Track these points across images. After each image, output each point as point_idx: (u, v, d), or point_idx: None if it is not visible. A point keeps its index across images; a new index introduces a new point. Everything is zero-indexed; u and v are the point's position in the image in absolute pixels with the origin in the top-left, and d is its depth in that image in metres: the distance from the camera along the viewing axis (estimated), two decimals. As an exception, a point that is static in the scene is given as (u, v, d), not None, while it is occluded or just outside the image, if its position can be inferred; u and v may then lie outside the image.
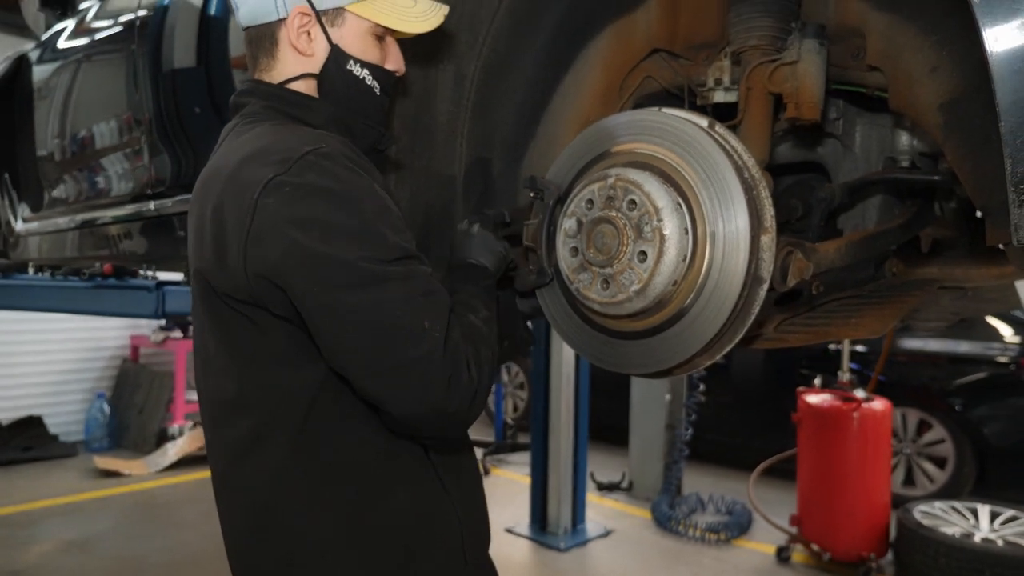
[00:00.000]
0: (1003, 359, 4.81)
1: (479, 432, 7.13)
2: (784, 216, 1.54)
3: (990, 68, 0.72)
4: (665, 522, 4.77)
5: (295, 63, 1.15)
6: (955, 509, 3.96)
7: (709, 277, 1.07)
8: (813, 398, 4.27)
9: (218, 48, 1.96)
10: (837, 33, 1.27)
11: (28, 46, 3.16)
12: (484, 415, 7.57)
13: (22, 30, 4.44)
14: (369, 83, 1.17)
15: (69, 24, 2.89)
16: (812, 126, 1.37)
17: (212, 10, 2.00)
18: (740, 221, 1.05)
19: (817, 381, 4.47)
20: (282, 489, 1.07)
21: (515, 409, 7.32)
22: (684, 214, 1.09)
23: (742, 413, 5.87)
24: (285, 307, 1.01)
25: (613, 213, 1.12)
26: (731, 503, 5.01)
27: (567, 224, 1.19)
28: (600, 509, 5.23)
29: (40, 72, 2.97)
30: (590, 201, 1.15)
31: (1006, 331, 4.88)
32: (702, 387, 5.31)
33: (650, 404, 5.53)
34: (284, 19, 1.12)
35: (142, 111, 2.32)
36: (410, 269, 1.02)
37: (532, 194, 1.28)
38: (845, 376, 4.35)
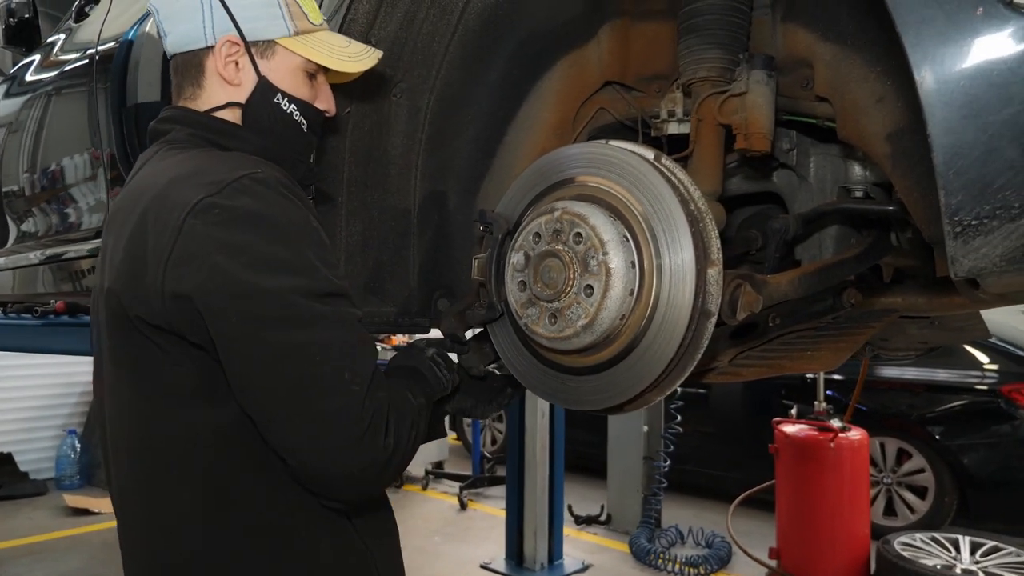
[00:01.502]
0: (982, 387, 4.81)
1: (456, 465, 7.04)
2: (743, 247, 1.53)
3: (921, 100, 0.71)
4: (644, 556, 4.69)
5: (221, 92, 1.11)
6: (936, 540, 3.92)
7: (656, 311, 1.05)
8: (790, 428, 4.24)
9: None
10: (786, 64, 1.27)
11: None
12: (462, 448, 7.51)
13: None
14: (296, 118, 1.14)
15: (35, 58, 2.86)
16: (765, 157, 1.37)
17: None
18: (686, 254, 1.02)
19: (793, 411, 4.45)
20: (190, 542, 1.00)
21: (493, 442, 7.24)
22: (631, 247, 1.06)
23: (722, 444, 5.83)
24: (202, 335, 0.94)
25: (560, 247, 1.09)
26: (711, 536, 4.95)
27: (515, 258, 1.16)
28: (578, 543, 5.15)
29: (4, 107, 2.94)
30: (537, 235, 1.13)
31: (984, 358, 4.89)
32: (679, 418, 5.29)
33: (628, 435, 5.48)
34: (212, 47, 1.10)
35: (100, 146, 2.29)
36: (339, 312, 0.97)
37: (481, 228, 1.26)
38: (821, 406, 4.33)
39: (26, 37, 2.90)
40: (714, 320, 1.04)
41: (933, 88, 0.70)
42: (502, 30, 1.45)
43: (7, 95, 2.99)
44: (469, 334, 1.40)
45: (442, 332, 1.48)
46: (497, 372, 1.41)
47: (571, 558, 4.78)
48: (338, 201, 1.42)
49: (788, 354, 1.31)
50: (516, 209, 1.24)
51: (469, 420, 7.06)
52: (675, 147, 1.36)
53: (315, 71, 1.16)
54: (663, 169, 1.08)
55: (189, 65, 1.12)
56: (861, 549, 4.00)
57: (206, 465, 0.98)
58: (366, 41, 1.38)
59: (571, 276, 1.08)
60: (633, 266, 1.06)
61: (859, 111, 1.14)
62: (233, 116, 1.12)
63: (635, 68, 1.43)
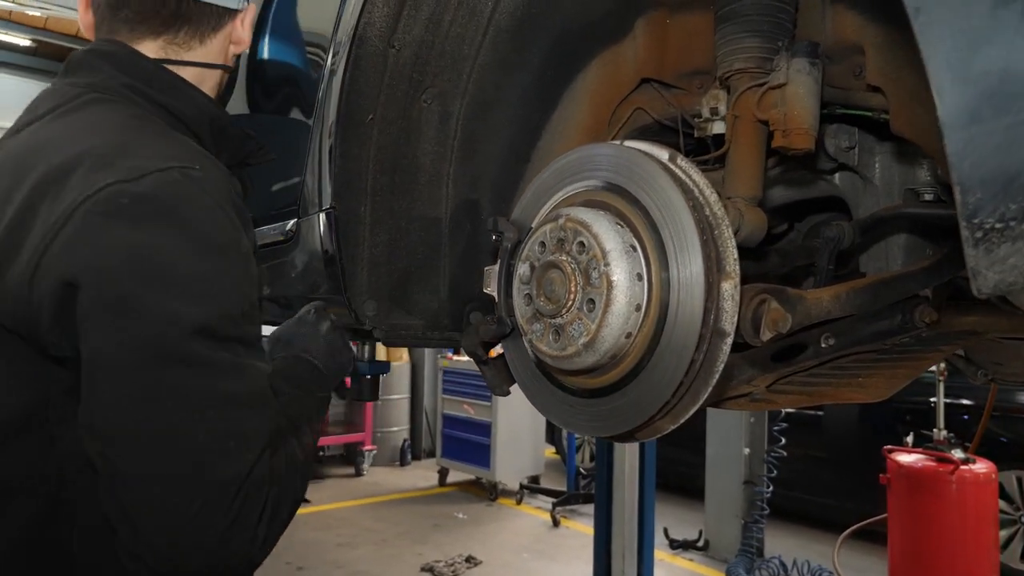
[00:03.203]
0: None
1: (552, 480, 6.94)
2: (806, 258, 1.38)
3: (928, 73, 0.58)
4: (741, 587, 4.42)
5: (219, 53, 1.04)
6: (1077, 590, 3.46)
7: (664, 329, 0.94)
8: (904, 457, 3.87)
9: (262, 90, 1.97)
10: (835, 50, 1.12)
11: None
12: (559, 462, 7.39)
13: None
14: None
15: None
16: (815, 157, 1.22)
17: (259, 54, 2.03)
18: (694, 266, 0.91)
19: (909, 439, 4.06)
20: None
21: (591, 458, 7.08)
22: (638, 258, 0.96)
23: (833, 470, 5.43)
24: (63, 344, 0.76)
25: (562, 257, 1.00)
26: (816, 569, 4.59)
27: (521, 269, 1.08)
28: (672, 569, 4.93)
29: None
30: (542, 244, 1.05)
31: None
32: (783, 440, 4.96)
33: (727, 457, 5.20)
34: (239, 11, 1.04)
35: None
36: (242, 364, 0.79)
37: (494, 237, 1.18)
38: (941, 434, 3.93)
39: None
40: (730, 340, 0.92)
41: (944, 59, 0.57)
42: (535, 29, 1.38)
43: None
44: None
45: (463, 349, 1.42)
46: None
47: (662, 584, 4.58)
48: (361, 211, 1.38)
49: (835, 380, 1.15)
50: (530, 216, 1.16)
51: (565, 435, 6.95)
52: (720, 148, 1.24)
53: None
54: (675, 171, 0.97)
55: (206, 16, 1.00)
56: (986, 595, 3.58)
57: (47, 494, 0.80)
58: (389, 46, 1.35)
59: (573, 289, 0.98)
60: (640, 279, 0.95)
61: (913, 100, 0.98)
62: (195, 76, 1.00)
63: (673, 63, 1.32)
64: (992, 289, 0.58)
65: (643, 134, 1.41)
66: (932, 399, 4.84)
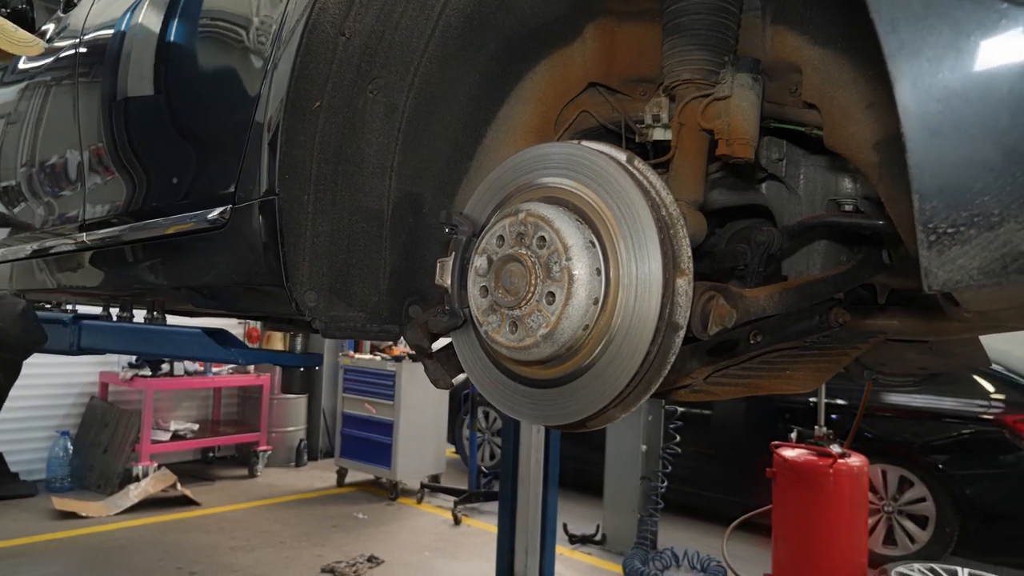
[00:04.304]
0: (987, 416, 4.71)
1: (453, 479, 6.96)
2: (731, 262, 1.47)
3: (895, 93, 0.65)
4: (637, 579, 4.58)
5: None
6: (934, 571, 3.81)
7: (621, 322, 0.98)
8: (789, 452, 4.14)
9: (177, 74, 1.90)
10: (774, 68, 1.21)
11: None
12: (460, 461, 7.41)
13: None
14: None
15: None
16: (750, 166, 1.31)
17: (172, 37, 1.94)
18: (653, 262, 0.96)
19: (793, 435, 4.35)
20: None
21: (492, 456, 7.15)
22: (597, 253, 1.00)
23: (721, 466, 5.73)
24: None
25: (522, 251, 1.03)
26: (706, 559, 4.83)
27: (478, 262, 1.10)
28: (571, 563, 5.05)
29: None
30: (501, 237, 1.07)
31: (990, 388, 4.79)
32: (678, 438, 5.20)
33: (626, 454, 5.39)
34: None
35: (81, 141, 2.26)
36: None
37: (447, 230, 1.20)
38: (821, 430, 4.24)
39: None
40: (682, 333, 0.97)
41: (908, 81, 0.64)
42: (484, 28, 1.40)
43: (1, 85, 2.97)
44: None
45: (407, 341, 1.42)
46: None
47: (562, 578, 4.68)
48: (304, 199, 1.36)
49: (766, 374, 1.24)
50: (484, 211, 1.18)
51: (467, 434, 6.98)
52: (660, 155, 1.30)
53: None
54: (634, 172, 1.02)
55: None
56: (858, 579, 3.89)
57: None
58: (339, 34, 1.34)
59: (533, 282, 1.01)
60: (599, 273, 0.99)
61: (847, 118, 1.07)
62: None
63: (620, 70, 1.37)
64: (941, 286, 0.65)
65: (587, 136, 1.46)
66: (811, 399, 5.22)
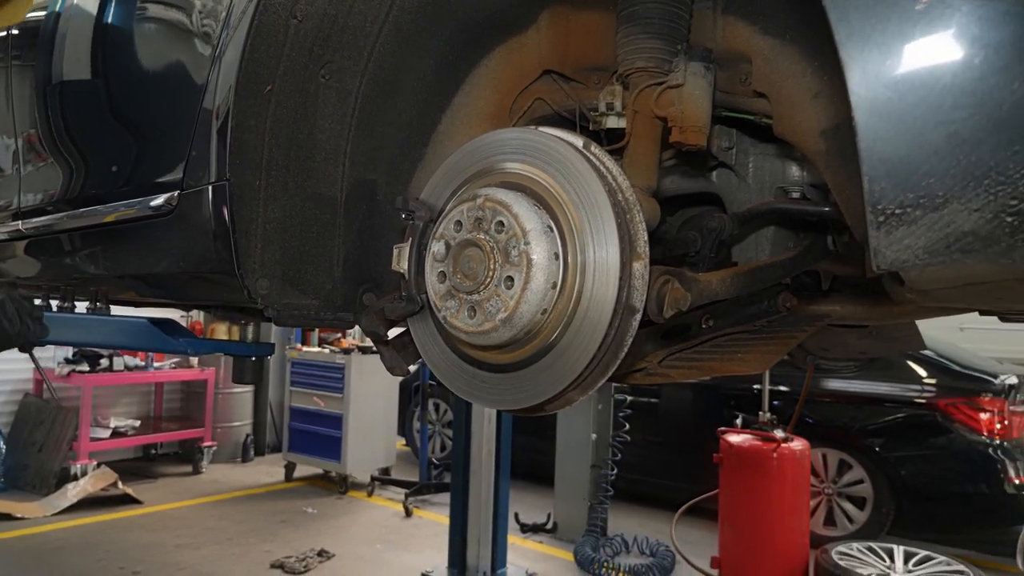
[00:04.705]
0: (920, 400, 4.90)
1: (404, 472, 6.93)
2: (682, 248, 1.49)
3: (846, 79, 0.67)
4: (588, 565, 4.65)
5: None
6: (872, 550, 3.97)
7: (579, 305, 1.00)
8: (734, 438, 4.25)
9: (117, 57, 1.83)
10: (725, 58, 1.23)
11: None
12: (410, 454, 7.39)
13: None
14: None
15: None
16: (702, 154, 1.33)
17: (110, 19, 1.88)
18: (611, 247, 0.97)
19: (739, 421, 4.47)
20: None
21: (443, 448, 7.14)
22: (555, 238, 1.01)
23: (669, 452, 5.84)
24: None
25: (481, 236, 1.03)
26: (655, 544, 4.93)
27: (436, 247, 1.10)
28: (523, 552, 5.09)
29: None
30: (458, 223, 1.07)
31: (923, 373, 4.99)
32: (627, 426, 5.28)
33: (576, 443, 5.44)
34: None
35: (18, 126, 2.17)
36: None
37: (403, 216, 1.19)
38: (766, 416, 4.36)
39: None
40: (639, 316, 0.99)
41: (859, 68, 0.66)
42: (439, 13, 1.39)
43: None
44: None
45: (362, 329, 1.41)
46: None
47: (515, 567, 4.71)
48: (256, 185, 1.33)
49: (718, 356, 1.28)
50: (441, 196, 1.18)
51: (418, 427, 6.95)
52: (614, 142, 1.31)
53: None
54: (591, 157, 1.03)
55: None
56: (800, 558, 4.02)
57: None
58: (291, 16, 1.31)
59: (492, 267, 1.02)
60: (557, 258, 1.00)
61: (795, 107, 1.10)
62: None
63: (574, 58, 1.38)
64: (888, 265, 0.68)
65: (541, 124, 1.46)
66: (755, 386, 5.36)
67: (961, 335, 7.13)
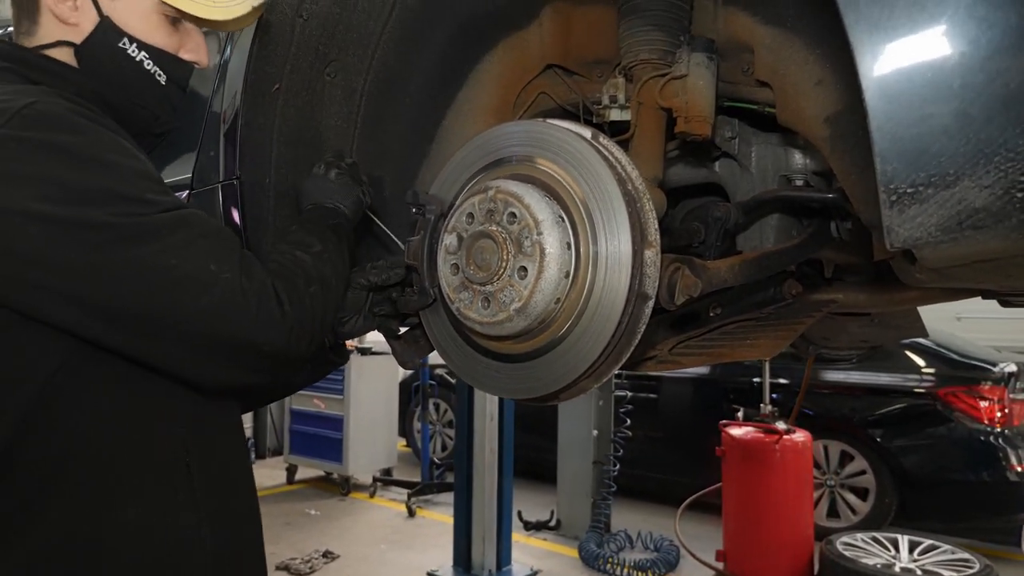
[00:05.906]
0: (920, 390, 4.92)
1: (405, 472, 6.93)
2: (686, 239, 1.51)
3: (856, 62, 0.68)
4: (592, 561, 4.67)
5: (55, 30, 1.01)
6: (876, 540, 3.98)
7: (592, 294, 1.01)
8: (736, 431, 4.27)
9: None
10: (727, 48, 1.25)
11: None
12: (411, 455, 7.40)
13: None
14: (148, 68, 1.05)
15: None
16: (706, 144, 1.35)
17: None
18: (623, 235, 0.99)
19: (740, 414, 4.49)
20: None
21: (444, 448, 7.15)
22: (566, 228, 1.02)
23: (670, 447, 5.86)
24: None
25: (493, 227, 1.04)
26: (659, 539, 4.95)
27: (448, 240, 1.11)
28: (527, 549, 5.10)
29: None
30: (470, 215, 1.08)
31: (922, 363, 5.01)
32: (629, 422, 5.29)
33: (578, 440, 5.46)
34: None
35: None
36: (179, 216, 0.92)
37: (414, 210, 1.20)
38: (767, 408, 4.38)
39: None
40: (651, 303, 1.01)
41: (868, 51, 0.68)
42: (442, 10, 1.41)
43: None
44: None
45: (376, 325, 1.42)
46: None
47: (520, 564, 4.73)
48: (266, 183, 1.35)
49: (728, 343, 1.29)
50: (451, 190, 1.19)
51: (419, 427, 6.96)
52: (617, 135, 1.33)
53: (176, 15, 1.05)
54: (601, 148, 1.04)
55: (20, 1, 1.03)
56: (805, 550, 4.04)
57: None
58: (297, 15, 1.33)
59: (504, 258, 1.03)
60: (569, 247, 1.01)
61: (798, 94, 1.12)
62: (68, 57, 1.02)
63: (577, 52, 1.40)
64: (902, 243, 0.69)
65: (546, 117, 1.48)
66: (755, 379, 5.38)
67: (958, 324, 7.17)
